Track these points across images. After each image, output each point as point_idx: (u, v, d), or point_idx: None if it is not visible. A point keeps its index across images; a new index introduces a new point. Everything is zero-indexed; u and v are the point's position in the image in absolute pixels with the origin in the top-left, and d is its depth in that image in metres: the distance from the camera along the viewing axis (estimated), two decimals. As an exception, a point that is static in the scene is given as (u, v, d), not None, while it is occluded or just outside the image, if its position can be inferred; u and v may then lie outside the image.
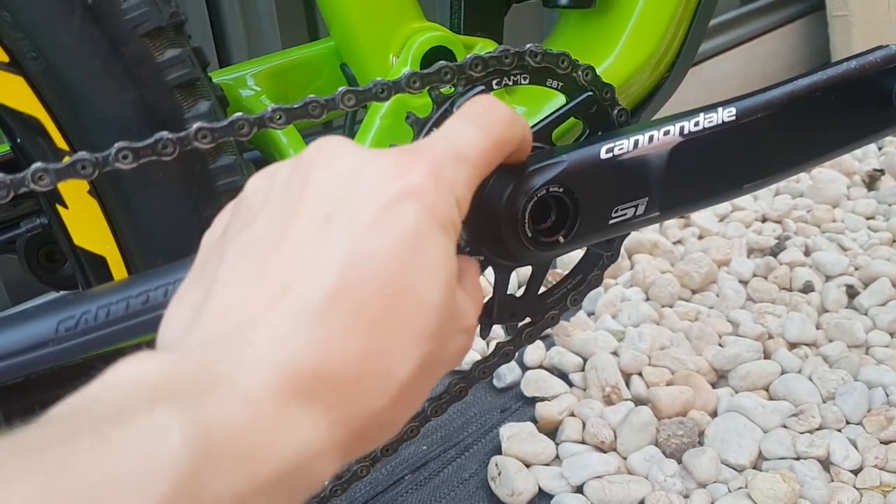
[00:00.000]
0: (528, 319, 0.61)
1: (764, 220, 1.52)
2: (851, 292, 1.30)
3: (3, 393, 0.45)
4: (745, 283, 1.36)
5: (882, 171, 1.60)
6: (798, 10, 2.04)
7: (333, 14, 0.58)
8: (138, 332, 0.47)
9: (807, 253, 1.41)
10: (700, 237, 1.48)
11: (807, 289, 1.32)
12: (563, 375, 1.19)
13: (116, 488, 0.22)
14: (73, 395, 0.27)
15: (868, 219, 1.51)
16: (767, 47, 1.98)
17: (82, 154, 0.45)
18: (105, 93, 0.48)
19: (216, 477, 0.24)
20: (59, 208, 0.51)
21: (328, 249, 0.31)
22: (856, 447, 1.02)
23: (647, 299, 1.34)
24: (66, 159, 0.50)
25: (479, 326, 0.58)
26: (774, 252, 1.41)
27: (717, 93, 1.87)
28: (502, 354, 0.62)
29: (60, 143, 0.50)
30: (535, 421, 1.12)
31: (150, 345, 0.34)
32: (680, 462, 1.03)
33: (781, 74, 2.06)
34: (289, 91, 0.62)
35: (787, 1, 2.01)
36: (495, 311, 0.59)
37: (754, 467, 1.03)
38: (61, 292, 0.67)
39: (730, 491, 0.99)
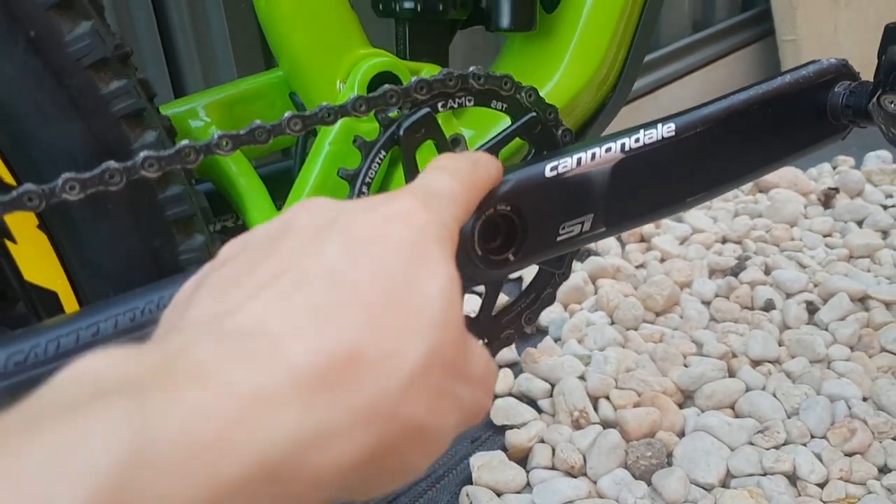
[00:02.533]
0: (484, 340, 0.62)
1: (724, 241, 1.55)
2: (811, 308, 1.32)
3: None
4: (707, 303, 1.38)
5: (837, 190, 1.64)
6: (749, 35, 2.09)
7: (280, 43, 0.58)
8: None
9: (767, 272, 1.43)
10: (662, 260, 1.50)
11: (768, 307, 1.34)
12: (533, 402, 1.20)
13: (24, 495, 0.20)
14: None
15: (825, 236, 1.54)
16: (721, 72, 2.03)
17: (28, 186, 0.45)
18: (50, 125, 0.48)
19: (162, 479, 0.22)
20: (8, 243, 0.51)
21: (320, 250, 0.30)
22: (821, 460, 1.03)
23: (612, 323, 1.35)
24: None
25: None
26: (735, 272, 1.43)
27: (675, 119, 1.90)
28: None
29: (6, 177, 0.50)
30: (505, 449, 1.12)
31: None
32: (650, 483, 1.03)
33: (736, 100, 2.10)
34: (239, 121, 0.63)
35: (738, 27, 2.07)
36: (450, 331, 0.59)
37: (723, 485, 1.03)
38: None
39: (699, 509, 0.99)
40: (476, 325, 0.61)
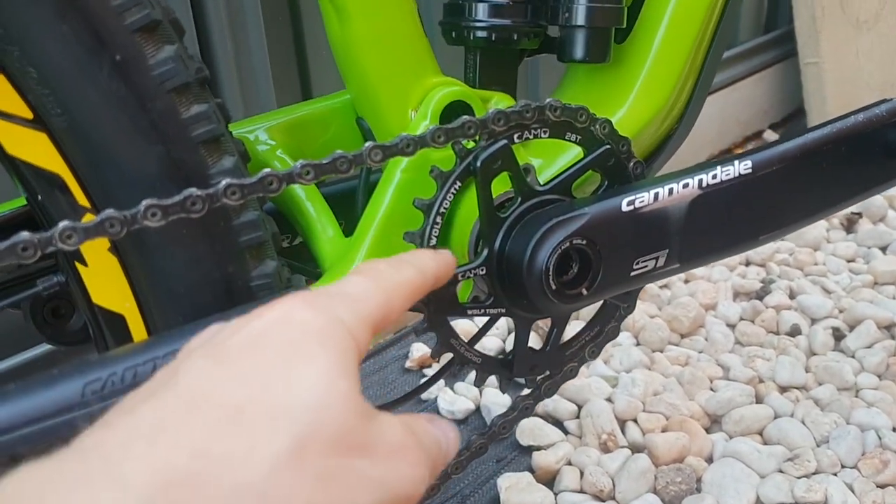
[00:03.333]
0: (548, 372, 0.61)
1: (748, 263, 1.54)
2: (838, 335, 1.31)
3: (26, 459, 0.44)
4: (732, 326, 1.37)
5: (860, 214, 1.63)
6: (771, 57, 2.09)
7: (351, 69, 0.58)
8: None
9: (791, 296, 1.43)
10: (686, 281, 1.50)
11: (794, 332, 1.33)
12: (559, 423, 1.19)
13: None
14: None
15: (849, 261, 1.54)
16: (742, 94, 2.03)
17: (110, 212, 0.44)
18: (130, 149, 0.48)
19: None
20: (79, 266, 0.50)
21: (185, 368, 0.30)
22: (853, 491, 1.02)
23: (638, 344, 1.34)
24: (88, 216, 0.50)
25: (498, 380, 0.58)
26: (760, 295, 1.42)
27: (696, 138, 1.90)
28: (522, 409, 0.61)
29: (82, 199, 0.49)
30: (531, 470, 1.11)
31: None
32: (680, 510, 1.02)
33: (756, 119, 2.10)
34: (302, 144, 0.62)
35: (760, 49, 2.07)
36: (515, 364, 0.59)
37: (753, 513, 1.02)
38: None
39: (732, 538, 0.98)
40: (541, 358, 0.60)
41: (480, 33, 0.60)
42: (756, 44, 2.05)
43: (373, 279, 0.38)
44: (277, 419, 0.28)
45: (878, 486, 1.03)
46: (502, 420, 0.61)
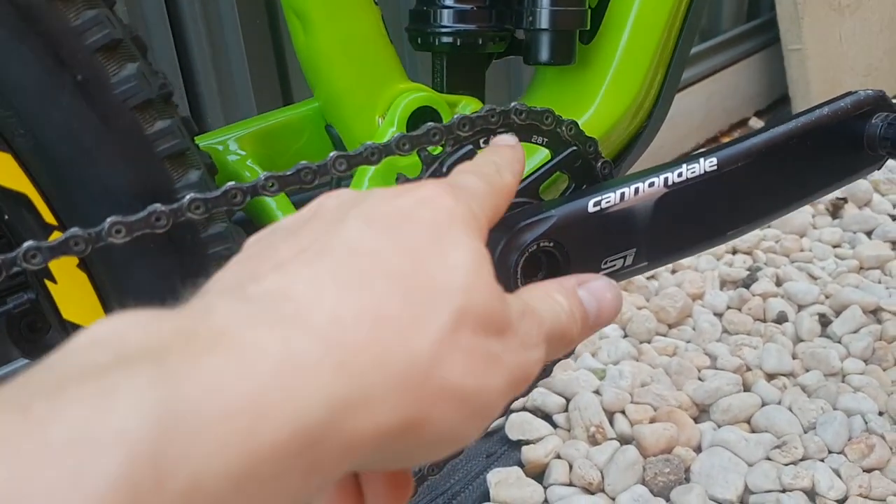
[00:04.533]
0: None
1: (734, 251, 1.55)
2: (824, 321, 1.32)
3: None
4: (719, 315, 1.38)
5: (845, 200, 1.64)
6: (754, 45, 2.09)
7: (318, 77, 0.58)
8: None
9: (778, 283, 1.43)
10: (673, 271, 1.50)
11: (780, 319, 1.34)
12: (547, 417, 1.19)
13: (40, 477, 0.19)
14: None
15: (835, 247, 1.54)
16: (727, 82, 2.03)
17: (75, 230, 0.45)
18: (94, 167, 0.48)
19: (195, 447, 0.21)
20: (48, 283, 0.51)
21: (343, 226, 0.30)
22: (840, 476, 1.03)
23: (626, 336, 1.35)
24: (55, 234, 0.50)
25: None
26: (746, 283, 1.43)
27: (680, 127, 1.91)
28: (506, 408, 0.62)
29: (48, 217, 0.49)
30: (521, 465, 1.12)
31: None
32: (668, 500, 1.03)
33: (741, 107, 2.11)
34: (273, 153, 0.63)
35: (743, 37, 2.07)
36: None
37: (741, 501, 1.03)
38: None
39: (719, 527, 0.99)
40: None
41: (446, 39, 0.60)
42: (739, 32, 2.05)
43: (487, 182, 0.38)
44: (438, 294, 0.28)
45: (864, 471, 1.04)
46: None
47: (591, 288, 0.38)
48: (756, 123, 2.13)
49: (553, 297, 0.36)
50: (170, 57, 1.05)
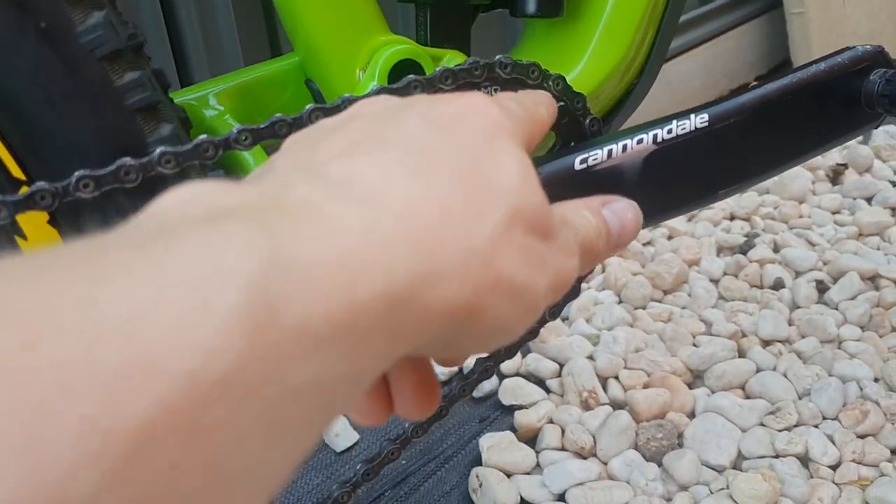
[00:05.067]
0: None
1: (732, 217, 1.53)
2: (821, 287, 1.31)
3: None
4: (715, 281, 1.37)
5: (845, 166, 1.62)
6: (756, 8, 2.06)
7: (296, 29, 0.56)
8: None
9: (776, 249, 1.42)
10: (669, 237, 1.49)
11: (777, 285, 1.33)
12: (541, 382, 1.19)
13: (168, 303, 0.19)
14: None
15: (834, 213, 1.53)
16: (727, 46, 2.00)
17: (41, 184, 0.43)
18: (62, 119, 0.46)
19: (301, 292, 0.22)
20: (18, 240, 0.49)
21: (398, 124, 0.31)
22: (833, 442, 1.03)
23: (620, 302, 1.34)
24: (24, 189, 0.48)
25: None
26: (744, 250, 1.42)
27: (680, 93, 1.88)
28: (482, 370, 0.61)
29: (16, 172, 0.48)
30: (514, 429, 1.11)
31: None
32: (660, 465, 1.03)
33: (742, 72, 2.08)
34: (253, 109, 0.61)
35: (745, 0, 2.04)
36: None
37: (734, 467, 1.03)
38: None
39: (711, 492, 0.99)
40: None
41: (429, -10, 0.59)
42: (741, -6, 2.02)
43: (526, 110, 0.38)
44: (493, 193, 0.29)
45: (857, 437, 1.03)
46: (462, 383, 0.61)
47: (614, 208, 0.39)
48: (757, 88, 2.10)
49: (582, 213, 0.37)
50: (155, 12, 1.02)
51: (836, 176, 1.61)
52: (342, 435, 1.12)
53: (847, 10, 1.91)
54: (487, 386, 1.19)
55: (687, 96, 1.92)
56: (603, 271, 1.40)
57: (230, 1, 1.08)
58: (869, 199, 1.54)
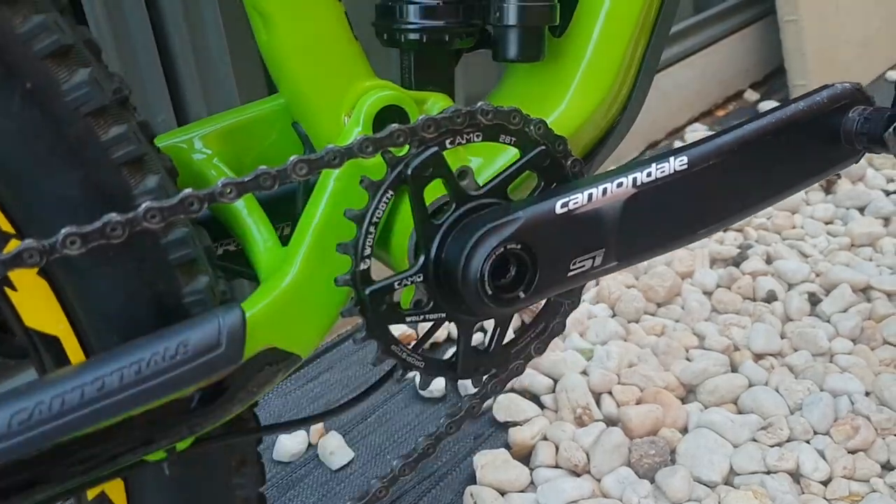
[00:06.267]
0: (493, 371, 0.61)
1: (726, 229, 1.54)
2: (814, 300, 1.32)
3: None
4: (709, 294, 1.37)
5: (838, 175, 1.63)
6: (750, 15, 2.06)
7: (281, 74, 0.57)
8: (95, 419, 0.46)
9: (769, 261, 1.43)
10: (663, 249, 1.49)
11: (770, 298, 1.33)
12: (535, 398, 1.20)
13: None
14: None
15: (827, 223, 1.53)
16: (722, 54, 2.00)
17: (29, 243, 0.44)
18: (49, 175, 0.47)
19: None
20: (8, 291, 0.50)
21: None
22: (824, 458, 1.03)
23: (614, 315, 1.35)
24: (13, 242, 0.49)
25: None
26: (737, 262, 1.42)
27: (674, 101, 1.88)
28: (469, 409, 0.62)
29: (5, 226, 0.48)
30: (508, 447, 1.12)
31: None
32: (653, 482, 1.03)
33: (737, 79, 2.08)
34: (241, 152, 0.62)
35: (739, 7, 2.04)
36: (460, 365, 0.59)
37: (726, 483, 1.03)
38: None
39: (703, 510, 1.00)
40: (486, 358, 0.60)
41: (412, 35, 0.59)
42: (735, 2, 2.02)
43: None
44: None
45: (848, 452, 1.04)
46: (449, 421, 0.61)
47: None
48: (751, 95, 2.10)
49: None
50: (150, 50, 1.03)
51: (829, 185, 1.62)
52: (337, 453, 1.13)
53: (840, 18, 1.91)
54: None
55: (681, 105, 1.92)
56: (597, 284, 1.41)
57: (225, 38, 1.09)
58: (862, 209, 1.55)
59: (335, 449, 1.13)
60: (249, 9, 0.55)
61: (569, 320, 1.30)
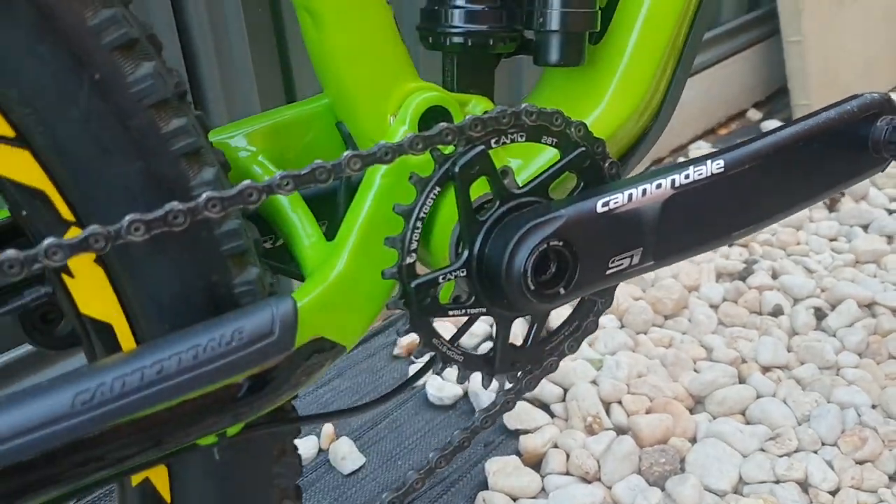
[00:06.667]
0: (528, 367, 0.63)
1: (731, 244, 1.56)
2: (819, 314, 1.33)
3: (20, 469, 0.45)
4: (715, 307, 1.39)
5: (842, 193, 1.65)
6: (754, 36, 2.10)
7: (328, 75, 0.58)
8: (154, 401, 0.47)
9: (774, 276, 1.45)
10: (670, 263, 1.51)
11: (776, 312, 1.35)
12: (545, 406, 1.21)
13: None
14: None
15: (831, 240, 1.56)
16: (727, 72, 2.03)
17: (95, 228, 0.45)
18: (111, 164, 0.48)
19: None
20: (65, 277, 0.51)
21: None
22: (832, 468, 1.05)
23: (622, 326, 1.36)
24: (73, 230, 0.50)
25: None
26: (743, 276, 1.44)
27: (680, 118, 1.91)
28: (504, 403, 0.63)
29: (66, 214, 0.49)
30: (519, 454, 1.13)
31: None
32: (663, 490, 1.05)
33: (740, 98, 2.11)
34: (284, 149, 0.63)
35: (743, 28, 2.07)
36: (497, 360, 0.60)
37: (735, 492, 1.05)
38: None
39: (714, 518, 1.01)
40: (522, 354, 0.62)
41: (456, 39, 0.61)
42: (739, 23, 2.06)
43: None
44: None
45: (856, 463, 1.06)
46: (485, 415, 0.63)
47: None
48: (754, 115, 2.13)
49: None
50: (174, 55, 1.04)
51: (832, 203, 1.64)
52: (348, 458, 1.13)
53: (843, 38, 1.94)
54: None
55: (686, 123, 1.95)
56: (605, 296, 1.42)
57: (248, 47, 1.10)
58: (865, 227, 1.57)
59: (346, 454, 1.14)
60: (299, 7, 0.57)
61: (578, 330, 1.32)
